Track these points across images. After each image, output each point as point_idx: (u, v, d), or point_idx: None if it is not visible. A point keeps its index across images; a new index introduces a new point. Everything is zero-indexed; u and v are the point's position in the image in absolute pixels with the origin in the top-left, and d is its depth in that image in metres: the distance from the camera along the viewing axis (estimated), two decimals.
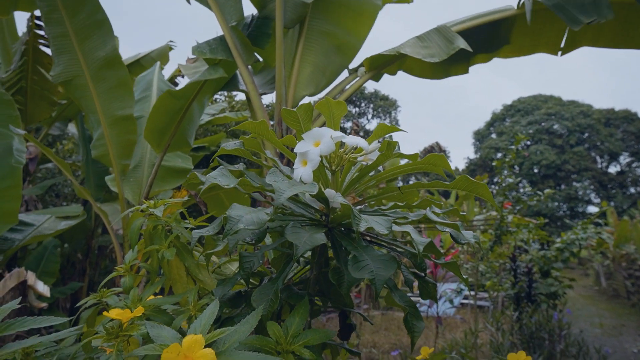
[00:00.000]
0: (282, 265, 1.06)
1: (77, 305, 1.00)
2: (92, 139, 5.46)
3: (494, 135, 40.84)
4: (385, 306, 9.20)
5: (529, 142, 38.96)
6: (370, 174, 1.15)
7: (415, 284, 1.15)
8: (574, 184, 38.21)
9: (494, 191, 6.62)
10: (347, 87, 3.05)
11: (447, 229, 0.99)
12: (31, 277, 2.28)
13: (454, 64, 2.84)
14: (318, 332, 0.92)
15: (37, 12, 4.35)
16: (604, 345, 6.50)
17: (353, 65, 3.16)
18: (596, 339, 6.94)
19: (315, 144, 1.05)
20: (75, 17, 2.83)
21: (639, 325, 7.92)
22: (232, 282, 1.13)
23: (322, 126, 1.33)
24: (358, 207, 1.23)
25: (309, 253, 1.27)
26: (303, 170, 1.04)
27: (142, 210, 1.24)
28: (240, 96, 10.05)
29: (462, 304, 9.39)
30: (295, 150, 1.06)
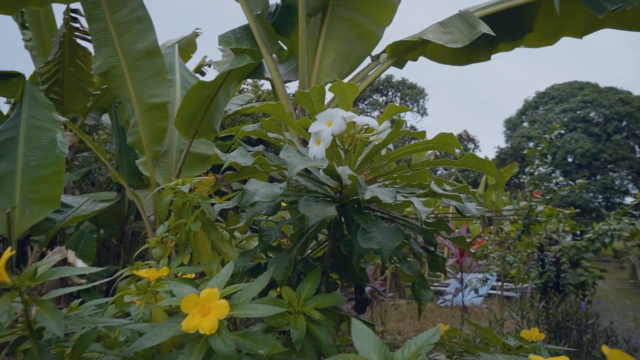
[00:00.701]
0: (297, 237, 1.14)
1: (114, 276, 1.11)
2: (125, 128, 5.68)
3: (526, 124, 39.69)
4: (410, 295, 9.22)
5: (563, 131, 37.68)
6: (382, 153, 1.21)
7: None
8: (611, 173, 36.77)
9: (525, 181, 6.48)
10: (370, 73, 3.09)
11: (452, 202, 1.04)
12: (71, 255, 2.46)
13: (476, 50, 2.83)
14: (328, 296, 0.99)
15: (74, 5, 4.54)
16: (637, 337, 6.35)
17: (376, 52, 3.19)
18: (628, 332, 6.77)
19: (328, 124, 1.12)
20: (117, 13, 2.99)
21: None
22: (252, 254, 1.22)
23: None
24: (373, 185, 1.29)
25: (326, 232, 1.34)
26: (316, 149, 1.11)
27: (171, 188, 1.34)
28: (266, 86, 10.17)
29: (489, 294, 9.31)
30: (309, 130, 1.13)
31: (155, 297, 0.91)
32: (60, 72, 5.50)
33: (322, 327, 0.92)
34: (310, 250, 1.43)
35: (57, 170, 3.18)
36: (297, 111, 3.01)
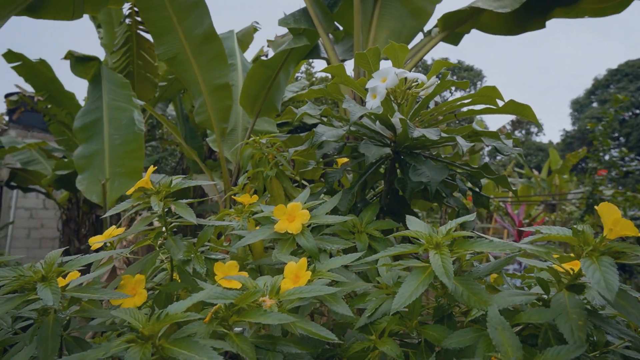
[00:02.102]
0: (357, 177, 1.35)
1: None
2: (189, 116, 6.08)
3: (595, 104, 37.15)
4: None
5: (638, 111, 34.87)
6: (429, 106, 1.37)
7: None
8: None
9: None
10: (422, 48, 3.21)
11: (492, 142, 1.20)
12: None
13: (529, 17, 2.85)
14: (385, 222, 1.19)
15: None
16: None
17: (427, 28, 3.30)
18: None
19: (383, 80, 1.31)
20: (175, 0, 3.28)
21: None
22: (318, 195, 1.44)
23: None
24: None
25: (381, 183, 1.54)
26: (373, 102, 1.31)
27: (247, 143, 1.59)
28: (319, 73, 10.40)
29: None
30: (366, 86, 1.32)
31: (249, 216, 1.15)
32: (130, 65, 6.00)
33: (380, 244, 1.12)
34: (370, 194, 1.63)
35: (138, 146, 3.58)
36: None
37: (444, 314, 0.73)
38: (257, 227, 1.12)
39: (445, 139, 1.12)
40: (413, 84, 1.35)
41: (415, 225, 0.79)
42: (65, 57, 4.81)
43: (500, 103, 1.32)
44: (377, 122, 1.36)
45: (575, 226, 0.63)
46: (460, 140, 1.10)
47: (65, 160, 4.82)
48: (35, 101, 6.38)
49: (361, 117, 1.25)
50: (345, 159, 1.62)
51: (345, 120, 1.37)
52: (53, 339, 0.65)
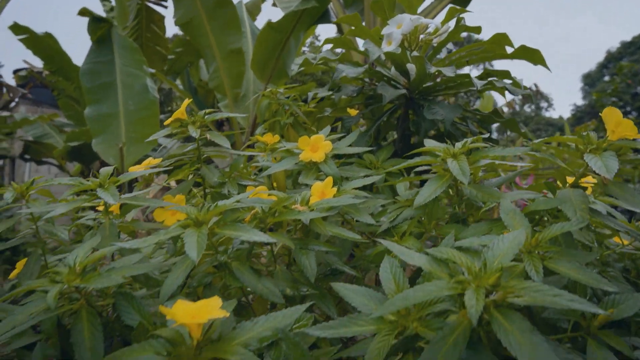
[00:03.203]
0: (372, 122, 1.42)
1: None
2: (197, 90, 6.10)
3: (607, 78, 36.42)
4: None
5: None
6: (441, 55, 1.43)
7: None
8: None
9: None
10: (432, 10, 3.22)
11: (504, 80, 1.26)
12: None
13: None
14: (400, 160, 1.26)
15: None
16: None
17: None
18: None
19: (398, 26, 1.36)
20: None
21: None
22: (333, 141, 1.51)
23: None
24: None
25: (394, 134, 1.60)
26: (389, 48, 1.36)
27: (264, 95, 1.66)
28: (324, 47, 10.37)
29: None
30: (382, 32, 1.38)
31: (273, 153, 1.23)
32: (140, 38, 6.01)
33: (395, 177, 1.20)
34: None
35: (153, 113, 3.65)
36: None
37: (459, 219, 0.81)
38: None
39: (460, 77, 1.18)
40: (427, 31, 1.40)
41: (432, 143, 0.86)
42: (80, 13, 4.79)
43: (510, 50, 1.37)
44: (392, 69, 1.42)
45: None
46: (474, 79, 1.16)
47: (77, 130, 4.90)
48: (43, 76, 6.43)
49: (377, 58, 1.30)
50: (356, 111, 1.69)
51: (359, 65, 1.43)
52: (111, 233, 0.74)
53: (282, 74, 3.60)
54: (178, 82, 7.45)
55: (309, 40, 9.96)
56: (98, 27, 4.29)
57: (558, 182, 0.75)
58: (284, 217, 0.75)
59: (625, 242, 0.99)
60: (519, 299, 0.49)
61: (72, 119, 5.96)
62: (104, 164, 4.71)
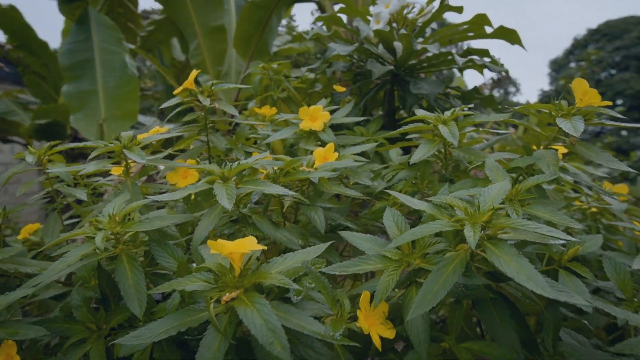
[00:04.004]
0: (361, 97, 1.50)
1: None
2: (171, 69, 6.00)
3: (573, 64, 37.51)
4: None
5: (614, 71, 35.52)
6: (427, 33, 1.52)
7: None
8: None
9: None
10: None
11: (484, 58, 1.36)
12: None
13: None
14: (388, 132, 1.35)
15: None
16: None
17: None
18: None
19: (386, 6, 1.44)
20: None
21: None
22: None
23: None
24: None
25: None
26: (377, 26, 1.44)
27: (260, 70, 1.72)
28: (301, 27, 10.30)
29: None
30: (371, 11, 1.45)
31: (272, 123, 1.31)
32: (110, 13, 5.84)
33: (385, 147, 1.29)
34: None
35: (133, 89, 3.63)
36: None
37: (447, 179, 0.91)
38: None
39: (443, 55, 1.28)
40: (412, 10, 1.49)
41: (424, 112, 0.96)
42: None
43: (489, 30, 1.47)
44: (380, 47, 1.50)
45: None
46: (456, 57, 1.26)
47: (44, 107, 4.77)
48: (6, 50, 6.17)
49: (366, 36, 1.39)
50: (344, 88, 1.77)
51: (350, 43, 1.50)
52: (135, 191, 0.81)
53: (264, 52, 3.62)
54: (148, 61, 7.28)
55: (284, 21, 9.87)
56: (73, 6, 4.18)
57: (533, 146, 0.86)
58: (295, 177, 0.83)
59: (593, 209, 1.13)
60: (507, 235, 0.59)
61: (38, 96, 5.77)
62: (75, 141, 4.62)
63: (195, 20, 3.34)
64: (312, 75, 1.64)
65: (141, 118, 4.16)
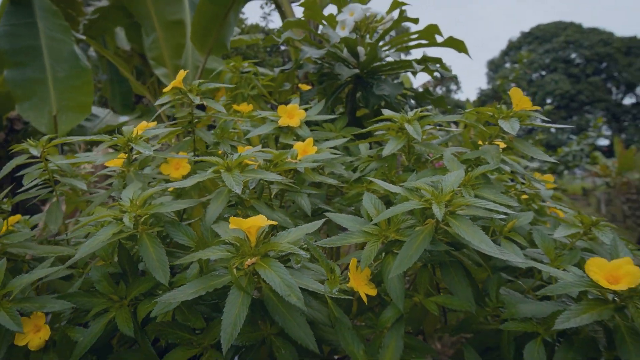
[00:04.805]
0: (330, 93, 1.65)
1: None
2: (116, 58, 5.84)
3: (508, 65, 39.81)
4: None
5: (544, 72, 38.12)
6: (386, 39, 1.69)
7: None
8: (586, 115, 37.64)
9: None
10: None
11: (436, 65, 1.55)
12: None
13: None
14: (353, 129, 1.51)
15: None
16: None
17: None
18: None
19: (351, 14, 1.59)
20: None
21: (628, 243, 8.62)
22: None
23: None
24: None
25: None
26: (342, 33, 1.59)
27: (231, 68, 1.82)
28: (250, 20, 10.28)
29: None
30: (337, 19, 1.60)
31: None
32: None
33: (352, 143, 1.45)
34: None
35: (86, 81, 3.56)
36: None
37: (410, 169, 1.08)
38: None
39: (404, 61, 1.45)
40: (374, 19, 1.65)
41: (390, 112, 1.12)
42: None
43: (440, 39, 1.67)
44: (345, 51, 1.65)
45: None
46: (414, 64, 1.44)
47: None
48: None
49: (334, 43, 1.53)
50: (309, 87, 1.90)
51: (317, 46, 1.64)
52: (139, 179, 0.91)
53: (221, 47, 3.67)
54: (91, 50, 7.02)
55: None
56: None
57: (479, 142, 1.04)
58: (283, 167, 0.97)
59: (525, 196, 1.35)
60: (463, 211, 0.76)
61: None
62: (12, 133, 4.44)
63: (153, 14, 3.33)
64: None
65: (94, 110, 4.06)
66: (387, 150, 0.98)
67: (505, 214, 0.73)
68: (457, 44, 1.65)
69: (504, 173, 1.08)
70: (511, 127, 0.90)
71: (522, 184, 1.28)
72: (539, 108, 0.97)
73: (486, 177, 0.96)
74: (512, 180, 1.33)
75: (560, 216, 1.25)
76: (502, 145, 1.08)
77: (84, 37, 3.63)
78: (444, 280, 0.79)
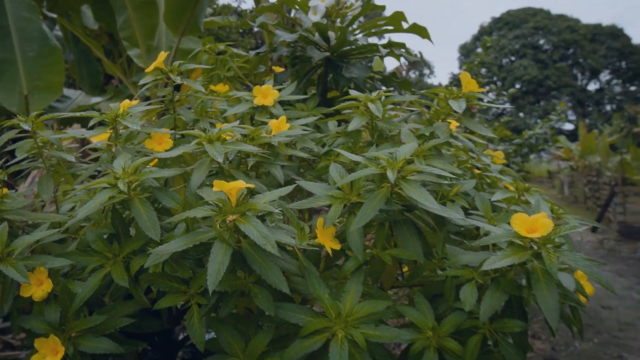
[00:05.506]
0: (303, 75, 1.75)
1: None
2: (79, 39, 5.74)
3: (479, 50, 40.37)
4: None
5: (513, 58, 38.96)
6: (356, 24, 1.80)
7: None
8: (554, 100, 38.78)
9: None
10: None
11: (401, 50, 1.67)
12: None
13: None
14: (323, 108, 1.62)
15: None
16: None
17: None
18: None
19: (322, 0, 1.69)
20: None
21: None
22: None
23: None
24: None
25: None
26: (314, 18, 1.69)
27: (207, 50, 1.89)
28: (222, 0, 10.16)
29: None
30: (309, 4, 1.70)
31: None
32: None
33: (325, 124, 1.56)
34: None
35: (57, 60, 3.53)
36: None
37: (373, 144, 1.20)
38: None
39: (370, 45, 1.56)
40: (344, 6, 1.75)
41: (356, 93, 1.23)
42: None
43: (405, 25, 1.79)
44: (316, 35, 1.75)
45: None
46: (381, 48, 1.56)
47: None
48: None
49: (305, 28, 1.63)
50: (282, 69, 2.00)
51: (290, 30, 1.74)
52: (127, 151, 1.00)
53: (194, 28, 3.70)
54: (56, 29, 6.83)
55: None
56: None
57: (433, 119, 1.18)
58: (259, 141, 1.07)
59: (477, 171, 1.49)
60: (414, 177, 0.89)
61: None
62: None
63: None
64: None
65: (65, 91, 4.03)
66: (352, 126, 1.10)
67: (451, 180, 0.86)
68: (420, 30, 1.77)
69: (454, 147, 1.21)
70: (459, 106, 1.03)
71: (474, 158, 1.43)
72: (484, 90, 1.11)
73: (438, 150, 1.10)
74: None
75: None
76: (455, 123, 1.22)
77: (54, 15, 3.58)
78: (398, 236, 0.93)
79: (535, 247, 0.80)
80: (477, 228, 1.01)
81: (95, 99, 4.14)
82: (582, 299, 0.95)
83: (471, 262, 0.87)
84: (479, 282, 0.86)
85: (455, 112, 1.08)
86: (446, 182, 0.89)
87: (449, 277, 0.90)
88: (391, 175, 0.82)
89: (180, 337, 1.35)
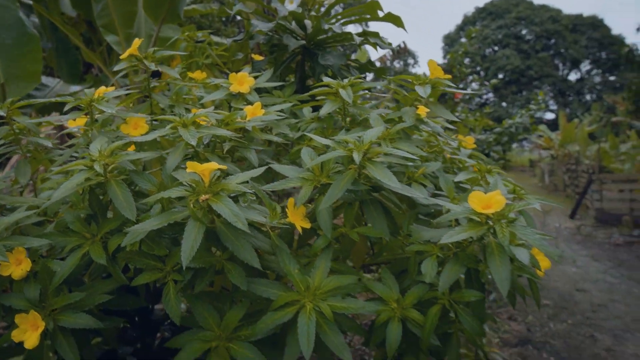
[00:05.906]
0: (279, 63, 1.78)
1: None
2: (57, 27, 5.65)
3: (463, 39, 40.60)
4: None
5: (497, 47, 39.28)
6: (331, 14, 1.83)
7: None
8: (535, 90, 39.23)
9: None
10: None
11: (376, 39, 1.72)
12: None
13: None
14: (301, 95, 1.66)
15: None
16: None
17: None
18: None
19: None
20: None
21: (565, 209, 9.31)
22: None
23: None
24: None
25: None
26: (291, 7, 1.72)
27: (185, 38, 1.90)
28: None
29: None
30: None
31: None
32: None
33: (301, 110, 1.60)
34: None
35: (34, 49, 3.48)
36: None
37: (345, 128, 1.25)
38: None
39: (345, 34, 1.60)
40: None
41: (328, 79, 1.27)
42: None
43: (381, 14, 1.83)
44: (293, 23, 1.78)
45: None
46: (355, 36, 1.60)
47: None
48: None
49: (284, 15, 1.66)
50: (261, 57, 2.02)
51: (268, 19, 1.76)
52: (103, 136, 1.03)
53: (174, 16, 3.68)
54: (32, 16, 6.68)
55: None
56: None
57: (402, 105, 1.23)
58: (234, 126, 1.11)
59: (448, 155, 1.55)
60: (380, 159, 0.94)
61: None
62: None
63: None
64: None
65: (43, 79, 3.98)
66: (323, 111, 1.15)
67: (419, 163, 0.91)
68: (394, 19, 1.81)
69: (425, 132, 1.26)
70: (424, 91, 1.08)
71: (444, 143, 1.48)
72: (450, 77, 1.16)
73: (406, 134, 1.15)
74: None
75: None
76: (424, 108, 1.27)
77: (31, 2, 3.52)
78: (365, 215, 0.98)
79: (491, 223, 0.86)
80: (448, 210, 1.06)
81: (74, 88, 4.09)
82: (539, 273, 1.02)
83: (433, 238, 0.92)
84: (441, 257, 0.91)
85: (422, 98, 1.13)
86: (411, 164, 0.94)
87: (413, 253, 0.95)
88: (357, 157, 0.87)
89: (161, 315, 1.39)
